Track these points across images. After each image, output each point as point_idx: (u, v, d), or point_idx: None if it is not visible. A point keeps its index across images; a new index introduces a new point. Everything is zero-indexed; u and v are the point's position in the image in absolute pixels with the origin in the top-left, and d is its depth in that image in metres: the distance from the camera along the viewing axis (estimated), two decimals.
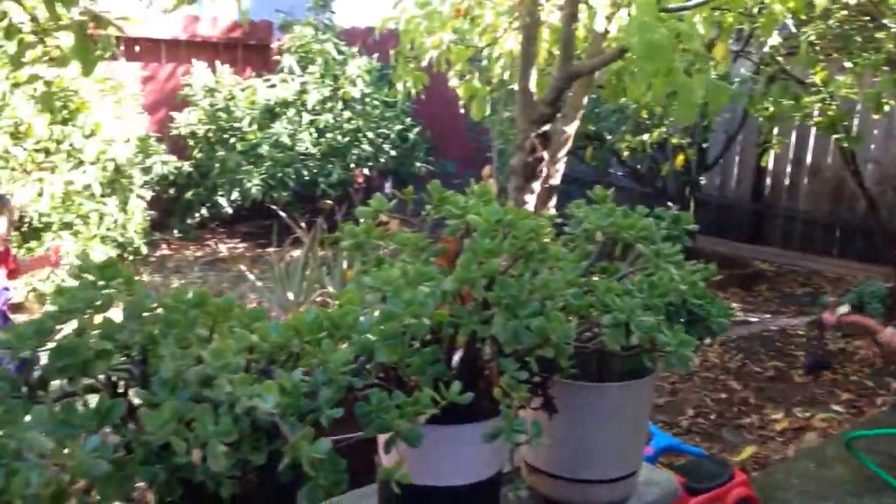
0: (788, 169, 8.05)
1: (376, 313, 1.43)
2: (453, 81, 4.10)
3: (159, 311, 1.21)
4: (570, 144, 3.24)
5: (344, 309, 1.37)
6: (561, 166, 3.18)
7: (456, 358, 1.65)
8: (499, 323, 1.49)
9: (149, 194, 6.07)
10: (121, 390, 1.28)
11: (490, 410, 1.54)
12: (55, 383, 1.22)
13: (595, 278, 1.82)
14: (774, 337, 5.12)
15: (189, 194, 6.69)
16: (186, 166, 6.57)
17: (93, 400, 1.16)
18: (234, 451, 1.17)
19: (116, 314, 1.25)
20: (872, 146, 7.13)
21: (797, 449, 3.62)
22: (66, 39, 2.49)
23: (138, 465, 1.15)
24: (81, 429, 1.10)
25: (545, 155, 2.98)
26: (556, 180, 3.16)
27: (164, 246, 6.37)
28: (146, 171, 6.06)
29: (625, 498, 1.85)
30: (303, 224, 3.97)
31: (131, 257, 5.65)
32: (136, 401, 1.22)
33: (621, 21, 3.45)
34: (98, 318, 1.23)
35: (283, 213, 4.64)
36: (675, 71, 2.63)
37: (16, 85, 4.84)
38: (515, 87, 4.56)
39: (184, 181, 6.65)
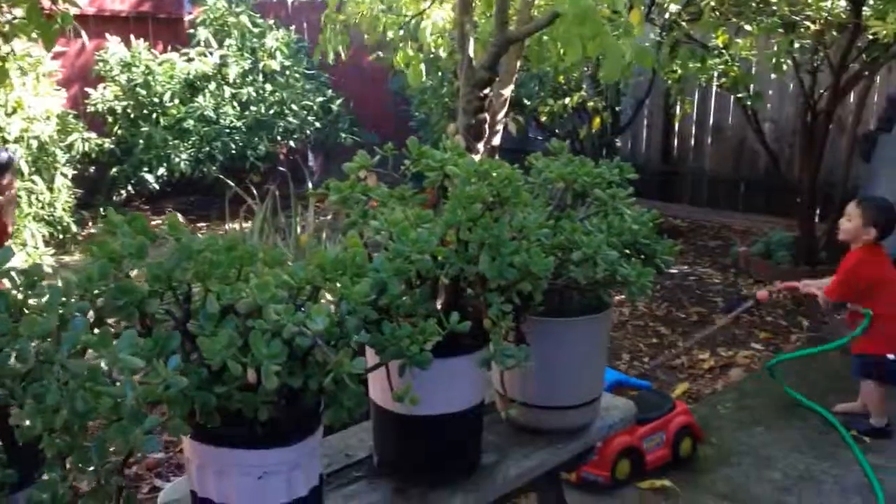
0: (693, 130, 8.48)
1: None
2: (386, 50, 4.24)
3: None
4: (507, 106, 3.43)
5: (354, 250, 1.53)
6: (500, 127, 3.37)
7: (441, 298, 1.82)
8: (485, 261, 1.67)
9: (71, 172, 5.99)
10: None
11: (470, 346, 1.72)
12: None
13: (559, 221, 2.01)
14: (694, 285, 5.48)
15: (113, 171, 6.61)
16: (108, 143, 6.48)
17: None
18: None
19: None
20: (769, 106, 7.58)
21: (725, 383, 3.95)
22: (19, 14, 2.53)
23: (195, 390, 1.29)
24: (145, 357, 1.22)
25: (487, 116, 3.16)
26: (496, 141, 3.35)
27: (90, 224, 6.30)
28: (68, 148, 5.97)
29: (590, 421, 2.07)
30: (247, 194, 4.05)
31: (62, 235, 5.60)
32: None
33: None
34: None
35: (231, 184, 4.69)
36: (604, 34, 2.84)
37: None
38: (442, 54, 4.74)
39: (106, 158, 6.56)
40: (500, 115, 3.37)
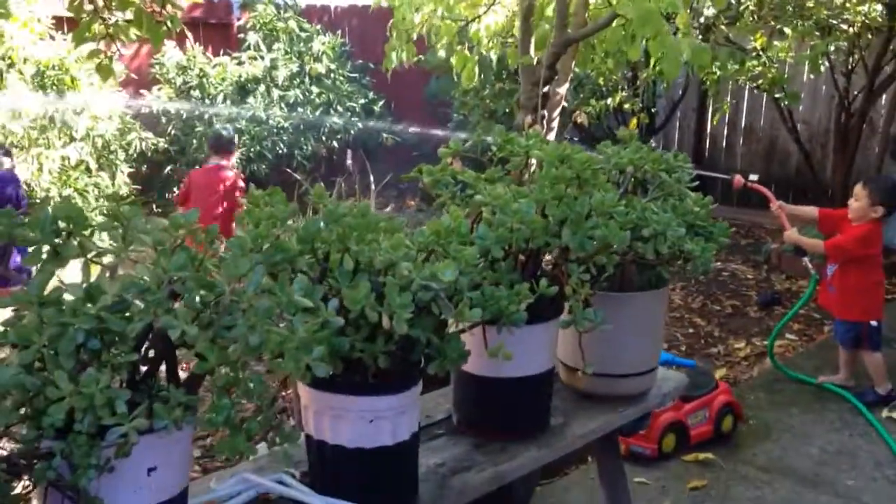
0: (725, 131, 8.63)
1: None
2: (441, 53, 4.43)
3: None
4: (562, 104, 3.63)
5: (459, 221, 1.74)
6: (556, 124, 3.57)
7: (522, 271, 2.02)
8: (567, 234, 1.87)
9: (128, 170, 6.27)
10: None
11: (546, 315, 1.91)
12: None
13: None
14: (728, 280, 5.65)
15: (168, 169, 6.88)
16: (163, 143, 6.76)
17: None
18: None
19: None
20: (801, 108, 7.73)
21: (760, 370, 4.12)
22: (127, 16, 2.77)
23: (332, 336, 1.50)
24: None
25: (546, 113, 3.37)
26: (552, 136, 3.55)
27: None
28: (126, 146, 6.25)
29: (647, 389, 2.26)
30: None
31: None
32: None
33: None
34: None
35: (298, 178, 4.91)
36: (664, 34, 3.03)
37: (11, 65, 5.01)
38: (493, 56, 4.95)
39: (160, 157, 6.84)
40: (555, 113, 3.57)
